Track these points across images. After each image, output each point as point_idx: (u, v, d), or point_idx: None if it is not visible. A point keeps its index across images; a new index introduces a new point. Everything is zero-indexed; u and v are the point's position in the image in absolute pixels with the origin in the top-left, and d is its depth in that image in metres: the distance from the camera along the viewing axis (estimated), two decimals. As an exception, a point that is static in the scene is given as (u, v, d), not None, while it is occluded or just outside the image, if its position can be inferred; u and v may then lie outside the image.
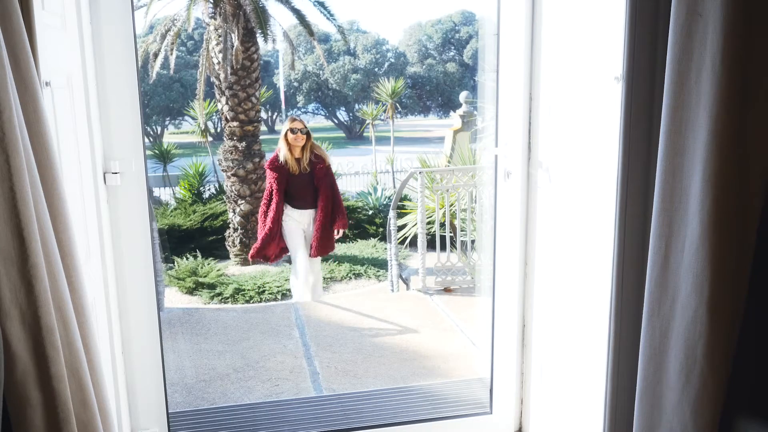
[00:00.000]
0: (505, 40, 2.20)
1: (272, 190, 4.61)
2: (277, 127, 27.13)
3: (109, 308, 1.98)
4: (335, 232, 4.74)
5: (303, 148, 4.57)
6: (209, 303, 5.85)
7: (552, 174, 2.10)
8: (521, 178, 2.25)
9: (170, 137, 23.21)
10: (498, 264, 2.35)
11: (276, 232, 4.63)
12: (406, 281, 5.55)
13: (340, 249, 8.24)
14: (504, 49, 2.20)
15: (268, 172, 4.66)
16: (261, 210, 4.72)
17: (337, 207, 4.69)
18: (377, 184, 11.21)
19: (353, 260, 7.28)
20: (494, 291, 2.38)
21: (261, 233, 4.68)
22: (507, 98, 2.23)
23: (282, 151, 4.57)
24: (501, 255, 2.34)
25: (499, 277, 2.35)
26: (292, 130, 4.53)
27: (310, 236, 4.72)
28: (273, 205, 4.61)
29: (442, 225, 5.10)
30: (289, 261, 7.98)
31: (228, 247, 8.00)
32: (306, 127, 4.61)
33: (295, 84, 25.51)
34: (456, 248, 5.09)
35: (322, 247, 4.67)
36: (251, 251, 4.81)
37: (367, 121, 17.33)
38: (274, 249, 4.71)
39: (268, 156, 5.02)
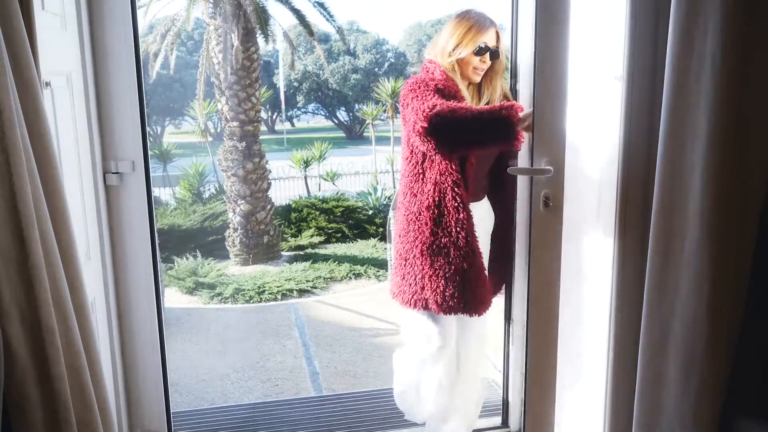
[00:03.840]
0: (505, 40, 2.19)
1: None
2: (277, 127, 27.14)
3: (109, 308, 1.98)
4: None
5: (486, 78, 2.01)
6: (209, 303, 5.85)
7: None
8: (521, 178, 2.25)
9: (170, 137, 23.22)
10: (498, 264, 2.34)
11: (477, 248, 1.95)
12: (406, 281, 5.53)
13: (340, 249, 8.16)
14: (504, 49, 2.20)
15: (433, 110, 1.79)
16: (425, 207, 1.93)
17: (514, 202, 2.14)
18: (377, 184, 11.22)
19: (353, 260, 7.27)
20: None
21: (463, 265, 1.92)
22: (507, 98, 2.22)
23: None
24: (501, 255, 2.33)
25: (499, 277, 2.34)
26: (479, 49, 1.91)
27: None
28: (456, 191, 1.91)
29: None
30: (293, 259, 7.99)
31: (228, 247, 8.00)
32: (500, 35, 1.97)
33: (295, 84, 25.51)
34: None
35: (500, 283, 2.23)
36: (470, 305, 1.96)
37: (367, 121, 17.31)
38: (486, 280, 2.01)
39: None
